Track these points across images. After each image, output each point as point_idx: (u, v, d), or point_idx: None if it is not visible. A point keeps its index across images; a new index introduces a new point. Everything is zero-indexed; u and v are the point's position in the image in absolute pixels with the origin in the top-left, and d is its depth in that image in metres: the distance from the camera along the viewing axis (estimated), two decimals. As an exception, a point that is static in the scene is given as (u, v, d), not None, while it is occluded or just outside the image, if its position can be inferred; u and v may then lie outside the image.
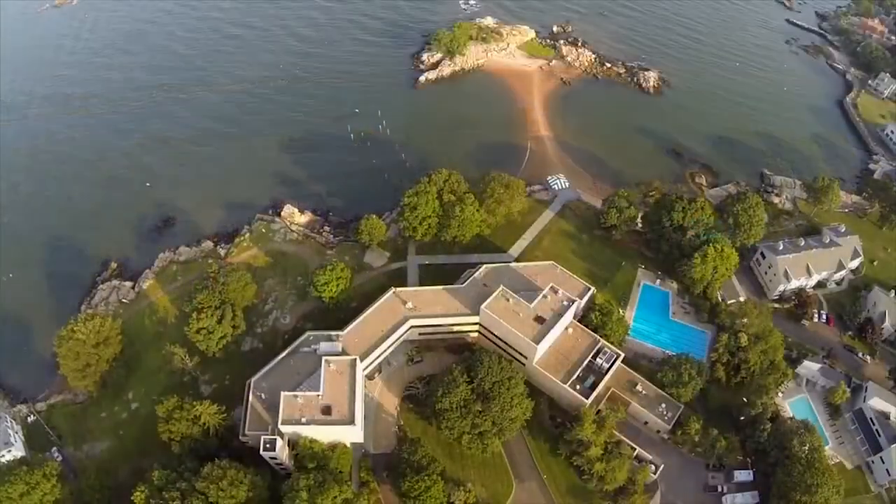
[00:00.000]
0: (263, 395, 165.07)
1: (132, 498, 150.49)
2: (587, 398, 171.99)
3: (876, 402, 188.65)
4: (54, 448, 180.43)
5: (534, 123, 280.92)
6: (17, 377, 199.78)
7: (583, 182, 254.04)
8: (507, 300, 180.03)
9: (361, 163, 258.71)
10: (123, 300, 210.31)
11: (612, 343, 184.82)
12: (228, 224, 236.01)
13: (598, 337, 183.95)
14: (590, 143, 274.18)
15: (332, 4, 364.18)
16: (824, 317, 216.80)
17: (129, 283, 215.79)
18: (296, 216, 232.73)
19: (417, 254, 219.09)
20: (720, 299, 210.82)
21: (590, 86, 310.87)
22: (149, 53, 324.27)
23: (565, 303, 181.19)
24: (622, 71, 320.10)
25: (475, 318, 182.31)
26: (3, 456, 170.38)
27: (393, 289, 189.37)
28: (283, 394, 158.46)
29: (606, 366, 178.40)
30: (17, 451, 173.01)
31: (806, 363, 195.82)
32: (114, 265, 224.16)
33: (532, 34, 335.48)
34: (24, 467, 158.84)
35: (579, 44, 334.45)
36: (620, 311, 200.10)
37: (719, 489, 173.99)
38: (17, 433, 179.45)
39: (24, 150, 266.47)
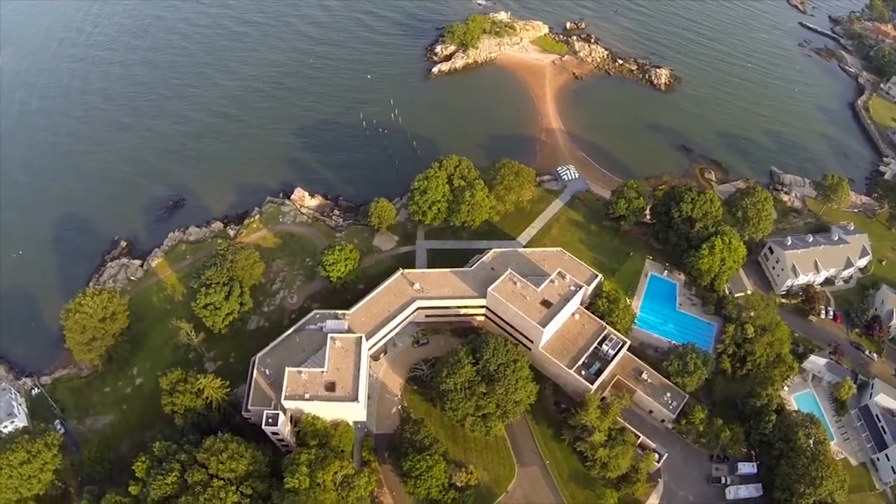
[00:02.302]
0: (268, 372, 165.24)
1: (133, 468, 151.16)
2: (592, 384, 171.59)
3: (882, 399, 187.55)
4: (57, 421, 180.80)
5: (545, 116, 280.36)
6: (24, 351, 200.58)
7: (592, 174, 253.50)
8: (515, 283, 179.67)
9: (373, 150, 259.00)
10: (132, 277, 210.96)
11: (618, 331, 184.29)
12: (239, 206, 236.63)
13: (605, 324, 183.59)
14: (600, 136, 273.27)
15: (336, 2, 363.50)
16: (831, 313, 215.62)
17: (137, 262, 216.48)
18: (306, 199, 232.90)
19: (426, 239, 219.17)
20: (727, 292, 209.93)
21: (601, 81, 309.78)
22: (155, 48, 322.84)
23: (572, 288, 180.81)
24: (634, 68, 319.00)
25: (482, 301, 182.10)
26: (6, 427, 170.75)
27: (401, 270, 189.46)
28: (287, 369, 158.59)
29: (612, 352, 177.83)
30: (20, 423, 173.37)
31: (812, 358, 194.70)
32: (123, 244, 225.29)
33: (545, 29, 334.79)
34: (25, 436, 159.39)
35: (592, 40, 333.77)
36: (627, 300, 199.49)
37: (723, 481, 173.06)
38: (20, 405, 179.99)
39: (22, 140, 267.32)
